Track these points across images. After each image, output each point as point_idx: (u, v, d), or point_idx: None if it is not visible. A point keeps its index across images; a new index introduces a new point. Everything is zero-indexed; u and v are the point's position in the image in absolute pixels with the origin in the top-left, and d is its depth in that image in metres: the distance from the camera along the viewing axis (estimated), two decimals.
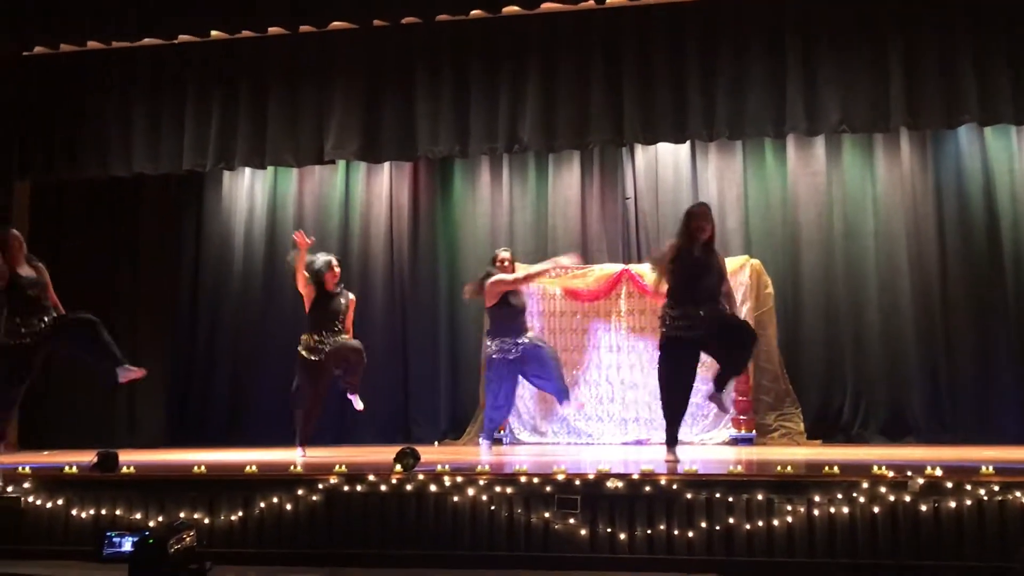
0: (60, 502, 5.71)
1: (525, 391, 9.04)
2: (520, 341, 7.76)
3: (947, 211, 8.82)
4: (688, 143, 9.01)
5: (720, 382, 6.37)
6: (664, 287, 6.35)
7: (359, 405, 7.83)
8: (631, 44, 7.83)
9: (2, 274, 6.70)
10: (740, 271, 8.71)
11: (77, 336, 6.92)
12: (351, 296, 7.93)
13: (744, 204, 9.22)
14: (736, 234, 9.17)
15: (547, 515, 5.25)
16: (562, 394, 8.01)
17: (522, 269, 8.21)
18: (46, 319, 6.84)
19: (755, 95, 7.60)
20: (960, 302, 8.67)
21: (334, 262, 7.77)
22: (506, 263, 7.92)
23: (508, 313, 7.79)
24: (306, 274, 7.61)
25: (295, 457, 7.09)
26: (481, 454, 7.28)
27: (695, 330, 6.14)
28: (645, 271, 8.96)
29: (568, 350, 9.02)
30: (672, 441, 6.35)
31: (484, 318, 8.46)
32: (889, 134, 8.63)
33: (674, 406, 6.37)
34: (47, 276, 7.01)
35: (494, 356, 7.76)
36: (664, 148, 9.24)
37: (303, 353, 7.60)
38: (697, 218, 6.29)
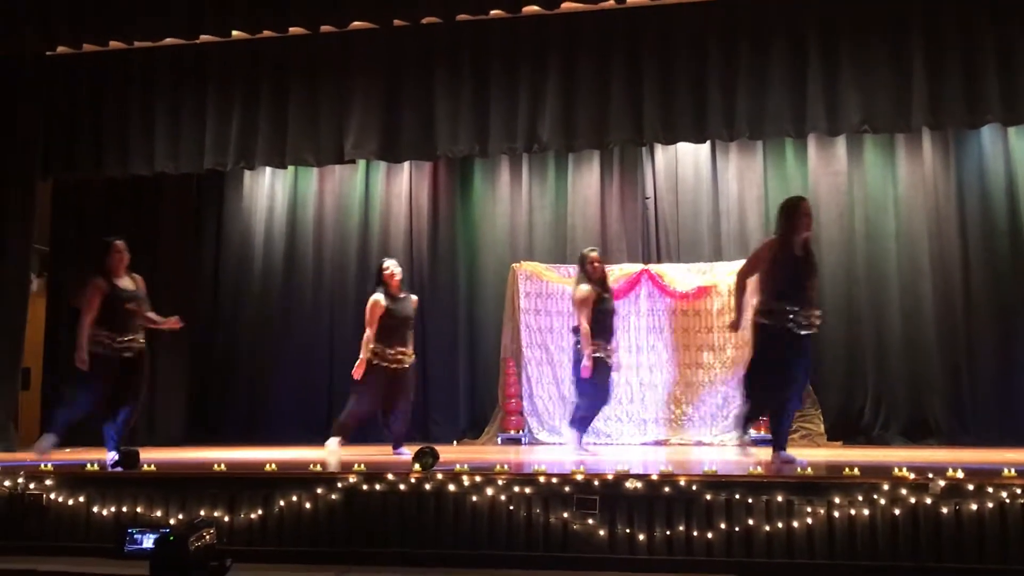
0: (82, 499, 5.75)
1: (544, 391, 9.06)
2: (614, 345, 7.60)
3: (969, 212, 8.76)
4: (708, 143, 9.00)
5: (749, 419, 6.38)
6: (750, 282, 6.17)
7: (407, 455, 7.40)
8: (651, 43, 7.81)
9: (100, 286, 6.76)
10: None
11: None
12: (414, 297, 8.01)
13: (765, 204, 9.19)
14: (756, 234, 9.11)
15: (566, 515, 5.24)
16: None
17: (559, 280, 8.29)
18: (140, 338, 6.88)
19: (776, 95, 7.57)
20: (982, 304, 8.61)
21: (393, 266, 7.77)
22: (596, 263, 7.51)
23: (601, 315, 7.41)
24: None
25: (330, 445, 7.27)
26: (576, 455, 7.14)
27: (801, 328, 6.02)
28: (665, 271, 8.97)
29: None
30: (781, 446, 6.14)
31: (509, 317, 8.60)
32: (911, 134, 8.58)
33: (775, 405, 6.18)
34: (144, 289, 7.04)
35: (599, 355, 7.35)
36: (684, 148, 9.22)
37: (373, 360, 7.57)
38: (807, 213, 6.13)
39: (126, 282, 6.94)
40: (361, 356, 7.57)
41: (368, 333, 7.58)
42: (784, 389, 6.12)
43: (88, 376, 6.71)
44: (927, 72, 7.33)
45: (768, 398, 6.20)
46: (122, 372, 6.80)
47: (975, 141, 8.76)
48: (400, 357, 7.65)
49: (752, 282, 6.22)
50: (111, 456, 6.45)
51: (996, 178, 8.69)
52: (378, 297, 7.65)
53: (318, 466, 5.87)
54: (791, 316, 5.98)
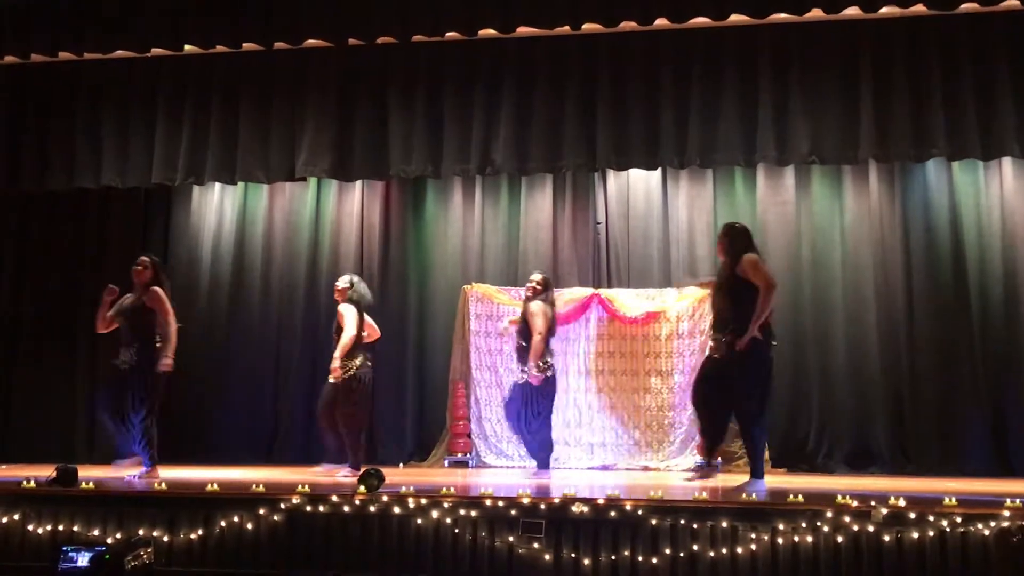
0: (16, 517, 5.62)
1: (492, 414, 9.03)
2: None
3: (914, 243, 8.91)
4: (660, 170, 9.07)
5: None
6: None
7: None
8: (606, 70, 7.86)
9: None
10: (708, 299, 8.73)
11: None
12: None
13: (714, 232, 9.23)
14: (705, 262, 9.19)
15: (512, 539, 5.22)
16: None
17: (502, 300, 8.26)
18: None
19: (726, 124, 7.65)
20: (925, 334, 8.74)
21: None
22: (538, 286, 7.72)
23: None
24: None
25: (342, 475, 7.12)
26: (539, 480, 7.17)
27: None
28: (615, 296, 9.00)
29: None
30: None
31: (459, 340, 8.59)
32: (858, 166, 8.72)
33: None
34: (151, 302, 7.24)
35: (550, 375, 7.54)
36: (636, 174, 9.28)
37: (361, 377, 7.55)
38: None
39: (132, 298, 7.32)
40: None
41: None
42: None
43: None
44: (875, 106, 7.46)
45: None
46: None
47: (920, 174, 8.91)
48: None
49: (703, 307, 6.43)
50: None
51: (940, 211, 8.84)
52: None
53: (260, 486, 5.79)
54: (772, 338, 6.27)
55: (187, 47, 8.13)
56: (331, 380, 7.41)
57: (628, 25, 7.64)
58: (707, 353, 6.41)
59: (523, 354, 7.55)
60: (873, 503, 5.06)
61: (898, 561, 4.91)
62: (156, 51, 8.17)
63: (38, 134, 8.51)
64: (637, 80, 7.81)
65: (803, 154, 7.61)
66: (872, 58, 7.53)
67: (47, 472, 6.14)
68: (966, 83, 7.39)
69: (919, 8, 7.27)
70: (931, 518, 4.95)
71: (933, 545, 4.91)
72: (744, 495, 5.68)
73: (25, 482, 5.96)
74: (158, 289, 7.25)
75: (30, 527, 5.59)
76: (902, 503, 5.04)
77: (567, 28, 7.70)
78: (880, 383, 8.75)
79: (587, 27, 7.68)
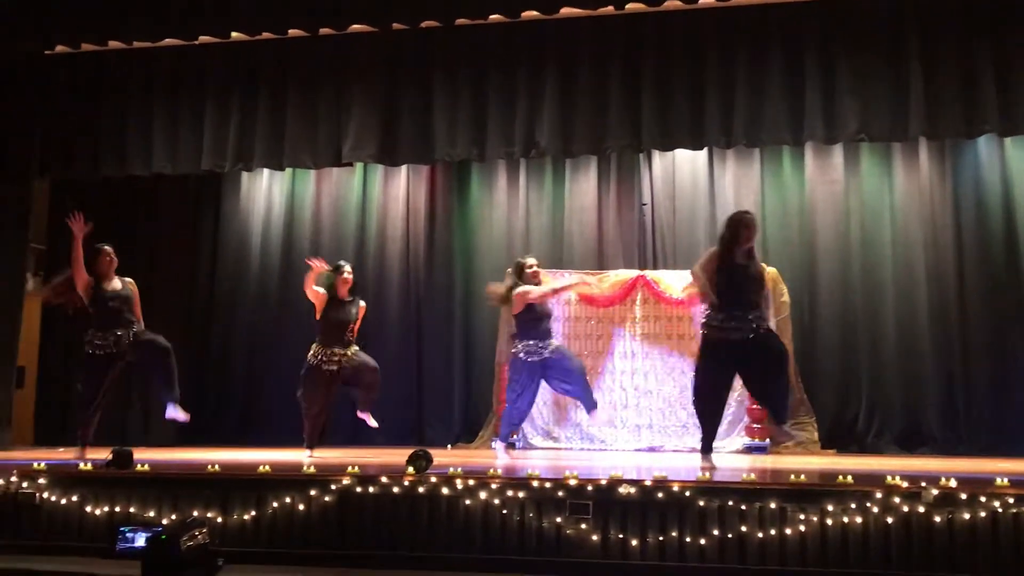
0: (75, 498, 5.74)
1: (539, 396, 9.04)
2: (545, 344, 7.46)
3: (965, 221, 8.78)
4: (705, 150, 9.01)
5: (777, 417, 6.44)
6: (701, 294, 6.39)
7: (373, 423, 8.04)
8: (650, 50, 7.82)
9: (86, 289, 7.29)
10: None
11: (150, 357, 7.37)
12: (362, 304, 7.97)
13: (761, 212, 9.19)
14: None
15: (559, 520, 5.24)
16: (590, 404, 7.63)
17: (547, 281, 8.10)
18: (125, 333, 7.27)
19: (773, 102, 7.58)
20: (977, 313, 8.62)
21: (346, 269, 7.85)
22: (534, 269, 7.61)
23: (534, 317, 7.49)
24: (316, 287, 7.76)
25: (303, 458, 7.18)
26: (497, 458, 7.24)
27: (739, 332, 6.14)
28: (661, 277, 8.97)
29: (582, 355, 8.99)
30: (707, 448, 6.39)
31: (505, 322, 8.55)
32: (907, 143, 8.60)
33: (708, 412, 6.40)
34: (135, 292, 7.50)
35: (520, 356, 7.44)
36: (681, 155, 9.23)
37: (311, 362, 7.75)
38: (747, 225, 6.31)
39: (114, 284, 7.41)
40: None
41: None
42: (705, 397, 6.39)
43: (84, 373, 7.34)
44: (924, 82, 7.34)
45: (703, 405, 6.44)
46: (108, 368, 7.30)
47: (971, 151, 8.78)
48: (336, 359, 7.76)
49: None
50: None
51: (992, 188, 8.70)
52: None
53: (312, 468, 5.86)
54: (721, 323, 6.20)
55: (234, 34, 8.20)
56: None
57: (672, 4, 7.60)
58: (727, 340, 6.21)
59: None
60: (923, 484, 5.01)
61: (949, 542, 4.87)
62: (204, 39, 8.26)
63: (91, 122, 8.65)
64: (682, 59, 7.76)
65: (851, 132, 7.52)
66: (920, 32, 7.41)
67: (103, 455, 6.27)
68: (1018, 57, 7.24)
69: None
70: (983, 499, 4.89)
71: (984, 526, 4.85)
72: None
73: (83, 464, 6.09)
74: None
75: (88, 508, 5.71)
76: (953, 484, 4.99)
77: (611, 8, 7.66)
78: (931, 363, 8.66)
79: (631, 7, 7.63)
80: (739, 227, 6.29)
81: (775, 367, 6.27)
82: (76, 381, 7.46)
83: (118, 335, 7.26)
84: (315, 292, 7.80)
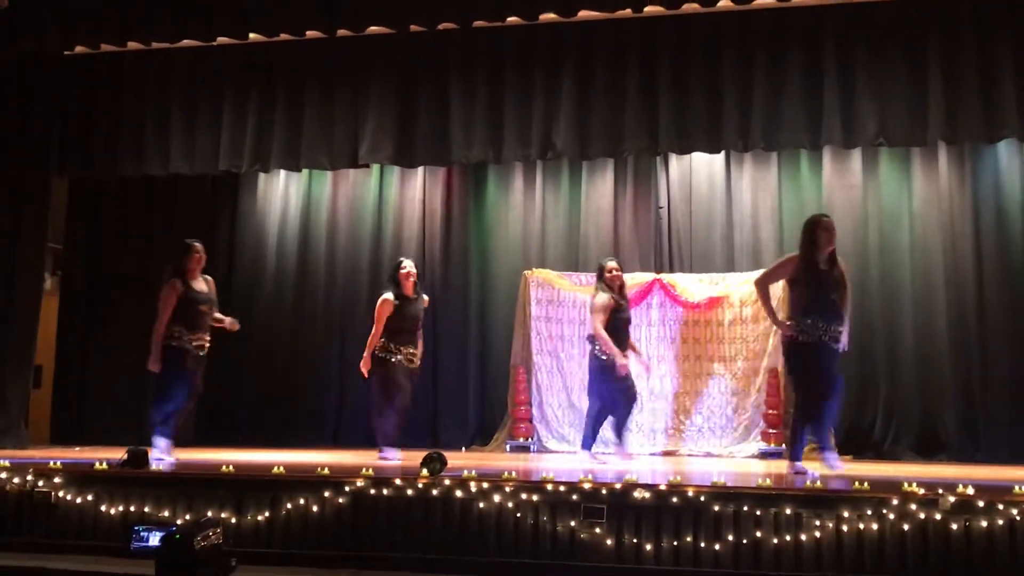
0: (90, 497, 5.77)
1: (554, 399, 9.04)
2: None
3: (984, 227, 8.70)
4: (723, 153, 8.98)
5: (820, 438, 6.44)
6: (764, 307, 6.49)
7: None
8: (667, 53, 7.80)
9: (177, 288, 7.12)
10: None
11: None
12: (425, 297, 7.91)
13: (779, 216, 9.16)
14: (770, 245, 9.10)
15: (573, 524, 5.23)
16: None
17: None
18: (208, 339, 7.28)
19: (791, 106, 7.55)
20: (996, 320, 8.55)
21: (406, 264, 7.65)
22: (613, 273, 7.46)
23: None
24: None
25: (391, 459, 7.20)
26: (585, 465, 7.04)
27: (826, 336, 6.17)
28: (677, 281, 8.94)
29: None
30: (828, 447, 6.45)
31: (520, 324, 8.78)
32: (927, 148, 8.54)
33: (813, 412, 6.30)
34: (215, 292, 7.44)
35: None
36: (698, 158, 9.19)
37: (387, 358, 7.49)
38: (826, 229, 6.28)
39: (200, 284, 7.29)
40: (365, 354, 7.54)
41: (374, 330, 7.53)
42: (802, 401, 6.34)
43: (172, 372, 7.10)
44: (944, 85, 7.30)
45: (798, 411, 6.43)
46: (196, 370, 7.24)
47: (991, 156, 8.70)
48: (411, 357, 7.58)
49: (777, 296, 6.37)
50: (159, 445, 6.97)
51: (1012, 193, 8.63)
52: (388, 296, 7.60)
53: (326, 469, 5.86)
54: (815, 330, 6.15)
55: (252, 35, 8.23)
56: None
57: (690, 7, 7.56)
58: (824, 342, 6.21)
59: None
60: (940, 491, 4.98)
61: (966, 550, 4.83)
62: (222, 40, 8.29)
63: (109, 122, 8.69)
64: (699, 62, 7.74)
65: (870, 136, 7.48)
66: (940, 36, 7.37)
67: (119, 454, 6.29)
68: None
69: None
70: (1000, 507, 4.86)
71: (1002, 534, 4.82)
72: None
73: (97, 464, 6.11)
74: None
75: (103, 507, 5.74)
76: (970, 491, 4.96)
77: (628, 11, 7.63)
78: (949, 369, 8.59)
79: (649, 10, 7.60)
80: (816, 231, 6.26)
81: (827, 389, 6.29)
82: (154, 377, 7.24)
83: (207, 341, 7.27)
84: (385, 304, 7.52)
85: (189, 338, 7.10)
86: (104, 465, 6.08)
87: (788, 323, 6.33)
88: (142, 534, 5.00)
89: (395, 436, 7.49)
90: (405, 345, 7.52)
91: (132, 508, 5.70)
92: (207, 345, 7.29)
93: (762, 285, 6.56)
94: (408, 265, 7.65)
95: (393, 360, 7.44)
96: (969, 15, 7.35)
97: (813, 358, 6.23)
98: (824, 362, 6.23)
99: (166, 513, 5.65)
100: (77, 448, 8.10)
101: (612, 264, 7.50)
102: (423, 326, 7.80)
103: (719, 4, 7.49)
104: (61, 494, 5.81)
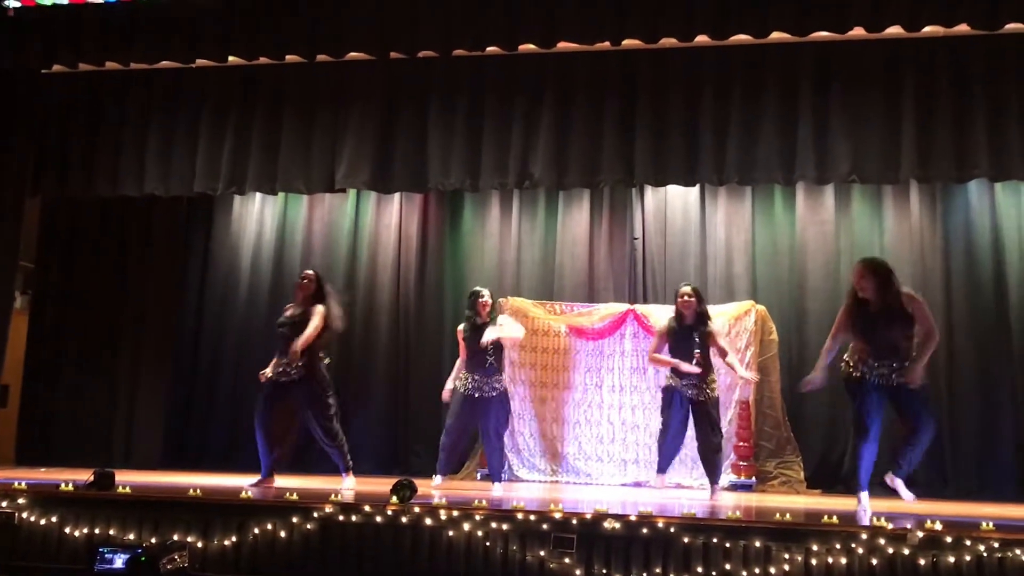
0: (54, 519, 5.69)
1: (526, 428, 9.03)
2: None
3: (955, 265, 8.81)
4: (698, 187, 9.04)
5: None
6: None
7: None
8: (645, 86, 7.87)
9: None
10: (745, 316, 8.75)
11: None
12: (500, 322, 7.78)
13: (752, 250, 9.23)
14: (743, 279, 9.17)
15: (543, 553, 5.21)
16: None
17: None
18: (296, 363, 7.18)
19: (766, 142, 7.62)
20: (964, 356, 8.63)
21: (484, 294, 7.65)
22: (687, 297, 7.30)
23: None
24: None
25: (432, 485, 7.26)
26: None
27: (881, 378, 6.19)
28: (651, 312, 8.97)
29: (570, 388, 9.01)
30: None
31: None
32: (899, 186, 8.64)
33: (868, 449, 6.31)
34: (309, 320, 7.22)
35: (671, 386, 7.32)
36: (674, 191, 9.26)
37: (454, 387, 7.59)
38: (853, 272, 6.33)
39: (292, 311, 7.35)
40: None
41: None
42: (856, 436, 6.39)
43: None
44: (917, 125, 7.38)
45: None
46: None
47: (962, 195, 8.82)
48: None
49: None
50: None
51: (982, 232, 8.75)
52: (461, 325, 7.66)
53: (294, 495, 5.82)
54: (855, 367, 6.24)
55: (231, 58, 8.23)
56: None
57: (668, 42, 7.64)
58: (873, 380, 6.22)
59: None
60: (909, 526, 5.01)
61: None
62: (201, 62, 8.28)
63: (85, 141, 8.63)
64: (677, 96, 7.80)
65: (843, 173, 7.56)
66: (914, 77, 7.47)
67: (85, 476, 6.22)
68: (1010, 103, 7.30)
69: (962, 27, 7.20)
70: (968, 543, 4.88)
71: (970, 570, 4.84)
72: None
73: (63, 485, 6.03)
74: (321, 307, 7.24)
75: (67, 530, 5.66)
76: (939, 527, 4.99)
77: (607, 44, 7.71)
78: None
79: (627, 43, 7.68)
80: (854, 276, 6.29)
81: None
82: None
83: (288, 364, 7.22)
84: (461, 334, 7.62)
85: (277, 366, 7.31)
86: (70, 486, 6.00)
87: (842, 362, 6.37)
88: (107, 556, 4.95)
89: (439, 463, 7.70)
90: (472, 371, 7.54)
91: (97, 530, 5.62)
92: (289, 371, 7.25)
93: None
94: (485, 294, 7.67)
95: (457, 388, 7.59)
96: (944, 58, 7.45)
97: (852, 395, 6.31)
98: (858, 401, 6.25)
99: (132, 536, 5.57)
100: (43, 469, 8.00)
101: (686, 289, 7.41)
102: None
103: (697, 39, 7.56)
104: (25, 515, 5.72)
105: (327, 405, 7.26)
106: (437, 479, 7.55)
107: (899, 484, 6.34)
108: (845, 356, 6.34)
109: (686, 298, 7.27)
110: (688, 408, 7.19)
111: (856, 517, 5.71)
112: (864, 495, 6.21)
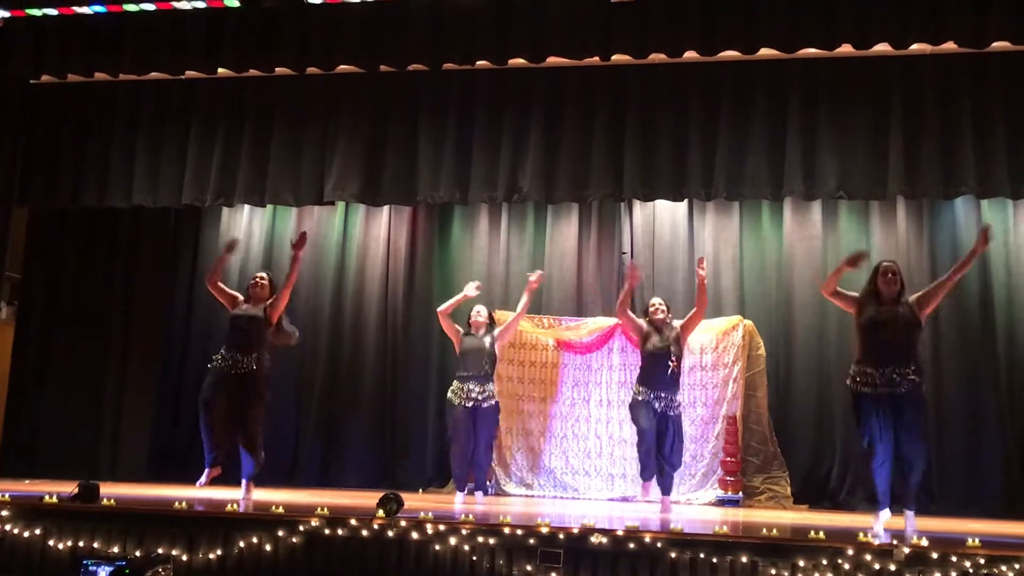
0: (38, 531, 5.65)
1: (513, 442, 9.01)
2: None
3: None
4: (686, 201, 9.06)
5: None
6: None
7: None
8: (634, 101, 7.90)
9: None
10: (733, 331, 8.76)
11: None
12: (496, 332, 7.98)
13: (739, 265, 9.25)
14: (730, 294, 9.19)
15: (529, 568, 5.20)
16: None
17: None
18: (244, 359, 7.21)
19: (754, 157, 7.66)
20: (951, 372, 8.66)
21: (473, 313, 7.91)
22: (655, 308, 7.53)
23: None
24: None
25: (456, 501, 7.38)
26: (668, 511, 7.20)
27: (884, 387, 6.14)
28: None
29: (558, 402, 9.01)
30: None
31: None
32: (886, 202, 8.68)
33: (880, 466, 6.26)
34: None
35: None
36: (662, 205, 9.28)
37: (450, 398, 7.77)
38: (879, 272, 6.37)
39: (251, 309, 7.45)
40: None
41: None
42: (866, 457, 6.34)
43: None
44: (904, 142, 7.44)
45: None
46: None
47: (948, 211, 8.87)
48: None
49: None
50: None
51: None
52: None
53: (280, 508, 5.79)
54: (858, 377, 6.21)
55: (221, 70, 8.23)
56: None
57: (658, 57, 7.68)
58: (876, 388, 6.18)
59: None
60: (895, 542, 5.01)
61: None
62: (190, 74, 8.28)
63: (73, 152, 8.64)
64: (665, 112, 7.85)
65: (831, 189, 7.60)
66: (902, 95, 7.53)
67: (70, 488, 6.18)
68: (996, 121, 7.36)
69: (950, 46, 7.26)
70: (954, 559, 4.89)
71: None
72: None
73: (47, 497, 6.00)
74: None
75: (51, 542, 5.63)
76: (925, 543, 5.00)
77: (597, 59, 7.74)
78: None
79: (617, 58, 7.72)
80: (875, 275, 6.35)
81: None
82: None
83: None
84: (452, 328, 7.89)
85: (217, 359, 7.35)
86: (54, 498, 5.96)
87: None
88: (91, 569, 4.93)
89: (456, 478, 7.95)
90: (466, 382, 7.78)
91: (81, 543, 5.60)
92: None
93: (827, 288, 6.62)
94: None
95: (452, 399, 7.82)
96: (931, 76, 7.51)
97: (855, 417, 6.30)
98: (858, 412, 6.25)
99: (116, 549, 5.54)
100: (27, 481, 7.95)
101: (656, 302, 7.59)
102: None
103: (685, 55, 7.60)
104: (8, 527, 5.68)
105: (263, 406, 7.28)
106: (460, 496, 7.68)
107: (910, 516, 6.29)
108: (850, 371, 6.33)
109: (657, 306, 7.48)
110: (657, 418, 7.22)
111: (873, 532, 5.68)
112: (884, 513, 6.21)
